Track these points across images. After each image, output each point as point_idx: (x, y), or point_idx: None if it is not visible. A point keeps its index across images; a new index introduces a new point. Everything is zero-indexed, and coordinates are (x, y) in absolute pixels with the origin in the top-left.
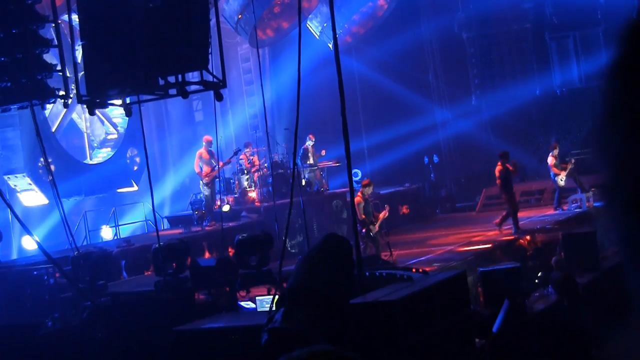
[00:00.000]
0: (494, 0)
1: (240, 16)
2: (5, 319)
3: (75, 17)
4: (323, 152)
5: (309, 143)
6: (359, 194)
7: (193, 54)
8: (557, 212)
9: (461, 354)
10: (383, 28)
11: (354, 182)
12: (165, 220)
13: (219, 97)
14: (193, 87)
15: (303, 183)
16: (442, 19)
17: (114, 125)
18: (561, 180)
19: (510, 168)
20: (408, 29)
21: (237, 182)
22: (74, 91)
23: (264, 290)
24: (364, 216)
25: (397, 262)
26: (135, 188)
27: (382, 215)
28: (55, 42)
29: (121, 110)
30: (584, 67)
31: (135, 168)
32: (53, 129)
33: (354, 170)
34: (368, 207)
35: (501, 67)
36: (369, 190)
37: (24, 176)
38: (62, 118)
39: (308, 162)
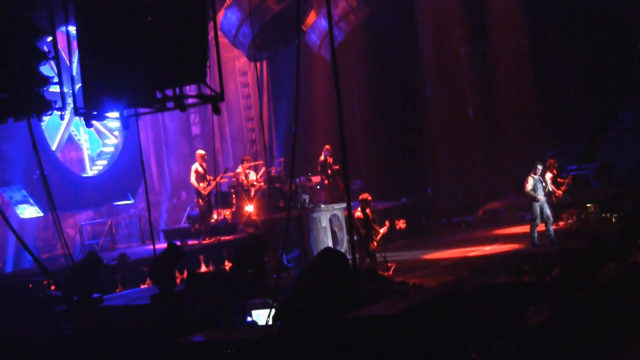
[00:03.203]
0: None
1: (238, 30)
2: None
3: (72, 29)
4: (336, 167)
5: (326, 154)
6: (358, 208)
7: (191, 67)
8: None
9: None
10: (382, 41)
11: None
12: (162, 234)
13: (216, 111)
14: (191, 101)
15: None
16: (441, 33)
17: (111, 138)
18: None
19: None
20: (406, 42)
21: (234, 195)
22: (71, 104)
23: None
24: (363, 231)
25: (394, 277)
26: (132, 201)
27: (383, 231)
28: (53, 54)
29: (118, 123)
30: (580, 82)
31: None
32: (53, 145)
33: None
34: (369, 222)
35: (498, 81)
36: (367, 205)
37: (19, 188)
38: (62, 133)
39: (326, 173)
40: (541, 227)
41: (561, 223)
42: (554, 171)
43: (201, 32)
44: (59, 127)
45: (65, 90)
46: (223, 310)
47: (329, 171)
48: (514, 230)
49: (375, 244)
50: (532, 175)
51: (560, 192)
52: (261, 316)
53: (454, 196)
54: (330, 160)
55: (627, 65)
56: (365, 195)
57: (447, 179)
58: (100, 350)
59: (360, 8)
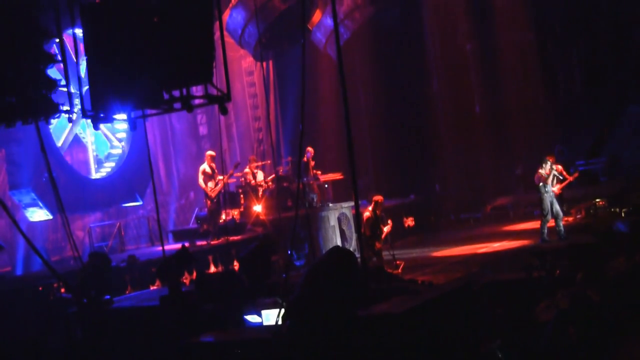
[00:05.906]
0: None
1: (244, 29)
2: (9, 334)
3: (79, 32)
4: (319, 172)
5: (308, 156)
6: (368, 208)
7: (197, 68)
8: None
9: None
10: (387, 38)
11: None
12: (171, 235)
13: (223, 111)
14: (198, 101)
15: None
16: (446, 29)
17: (118, 140)
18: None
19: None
20: (412, 38)
21: (242, 195)
22: (79, 106)
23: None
24: (368, 232)
25: (403, 274)
26: (140, 202)
27: (387, 230)
28: (60, 57)
29: (125, 125)
30: (587, 75)
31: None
32: (59, 144)
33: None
34: (377, 222)
35: (504, 76)
36: (379, 207)
37: (28, 191)
38: (67, 133)
39: (308, 175)
40: (551, 223)
41: (570, 218)
42: (558, 166)
43: (207, 33)
44: (65, 128)
45: (73, 92)
46: (232, 310)
47: (311, 173)
48: (523, 226)
49: (379, 244)
50: (540, 171)
51: (558, 191)
52: (271, 316)
53: (461, 192)
54: (312, 162)
55: (634, 59)
56: (378, 197)
57: (454, 175)
58: (110, 351)
59: (366, 6)
